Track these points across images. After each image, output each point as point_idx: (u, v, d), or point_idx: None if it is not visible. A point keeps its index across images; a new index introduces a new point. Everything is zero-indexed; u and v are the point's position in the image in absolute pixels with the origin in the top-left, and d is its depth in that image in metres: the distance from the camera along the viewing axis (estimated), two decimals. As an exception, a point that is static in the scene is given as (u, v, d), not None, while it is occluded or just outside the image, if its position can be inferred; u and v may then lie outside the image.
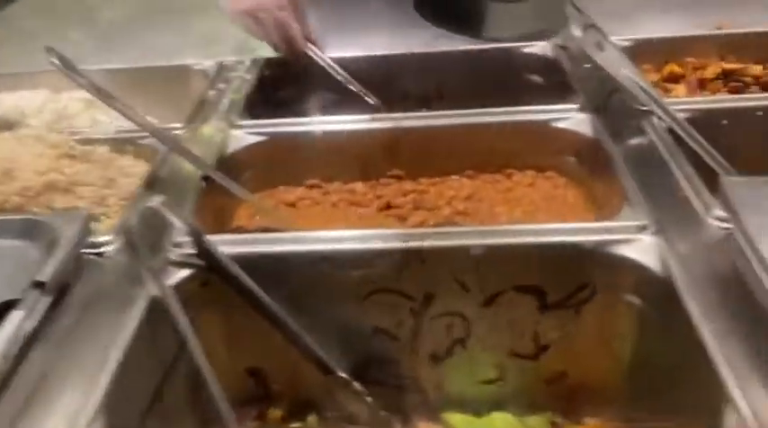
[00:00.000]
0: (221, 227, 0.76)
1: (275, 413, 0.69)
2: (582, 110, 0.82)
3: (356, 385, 0.63)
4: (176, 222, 0.60)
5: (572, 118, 0.81)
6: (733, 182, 0.56)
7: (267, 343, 0.64)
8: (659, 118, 0.77)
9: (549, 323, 0.64)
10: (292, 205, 0.82)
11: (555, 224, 0.66)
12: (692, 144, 0.76)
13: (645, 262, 0.58)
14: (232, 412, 0.54)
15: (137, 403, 0.54)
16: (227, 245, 0.63)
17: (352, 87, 0.94)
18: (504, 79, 1.02)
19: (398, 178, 0.84)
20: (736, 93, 0.98)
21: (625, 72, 0.79)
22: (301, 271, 0.62)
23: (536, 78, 1.01)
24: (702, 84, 0.99)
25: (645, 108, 0.78)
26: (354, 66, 0.97)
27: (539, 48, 1.01)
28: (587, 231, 0.61)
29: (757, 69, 1.00)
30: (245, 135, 0.83)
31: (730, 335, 0.48)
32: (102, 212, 0.75)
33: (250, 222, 0.79)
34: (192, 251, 0.60)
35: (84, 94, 1.04)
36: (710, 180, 0.73)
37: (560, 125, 0.80)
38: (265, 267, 0.62)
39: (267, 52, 1.00)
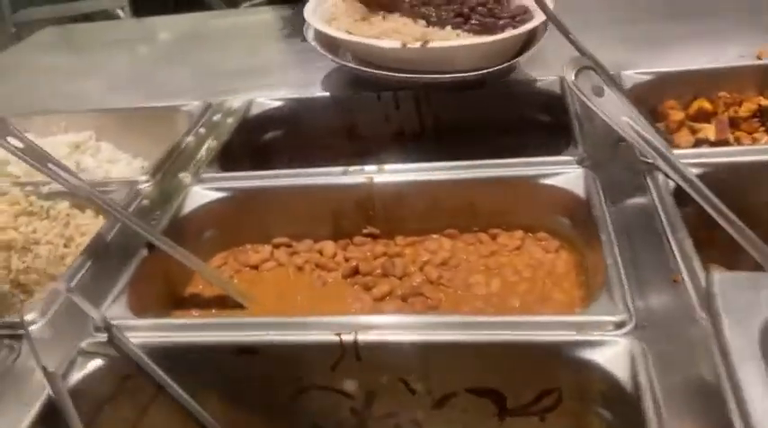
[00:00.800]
0: (172, 295, 0.70)
1: None
2: (580, 163, 0.72)
3: (287, 494, 0.55)
4: (88, 309, 0.54)
5: (566, 173, 0.70)
6: (721, 281, 0.45)
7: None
8: (666, 175, 0.66)
9: (511, 429, 0.55)
10: (255, 268, 0.75)
11: (515, 316, 0.56)
12: (708, 210, 0.64)
13: (614, 371, 0.48)
14: None
15: None
16: (147, 330, 0.56)
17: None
18: (504, 115, 0.93)
19: (373, 237, 0.76)
20: (777, 133, 0.85)
21: (625, 119, 0.68)
22: (225, 362, 0.55)
23: (542, 117, 0.91)
24: (736, 124, 0.87)
25: (650, 161, 0.67)
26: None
27: (547, 82, 0.91)
28: (554, 326, 0.52)
29: (802, 105, 0.86)
30: (207, 191, 0.77)
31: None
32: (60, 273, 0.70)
33: (209, 287, 0.73)
34: (104, 340, 0.55)
35: (71, 138, 1.03)
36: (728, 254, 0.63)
37: (550, 182, 0.70)
38: (188, 357, 0.56)
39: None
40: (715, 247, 0.65)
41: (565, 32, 0.80)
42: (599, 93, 0.69)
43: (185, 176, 0.80)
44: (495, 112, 0.94)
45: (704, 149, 0.77)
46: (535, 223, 0.73)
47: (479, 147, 0.83)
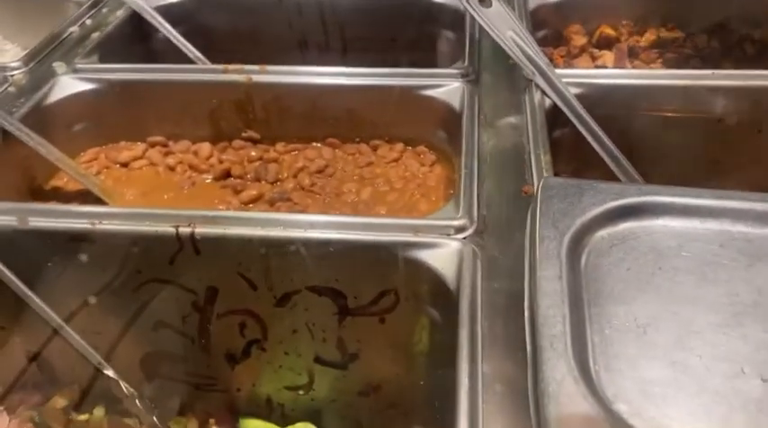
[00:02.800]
0: (30, 186, 0.67)
1: (58, 401, 0.61)
2: (464, 76, 0.70)
3: (124, 386, 0.55)
4: None
5: (446, 86, 0.69)
6: (549, 184, 0.44)
7: (45, 328, 0.56)
8: (543, 92, 0.65)
9: (353, 329, 0.55)
10: (125, 166, 0.72)
11: (356, 217, 0.55)
12: (578, 125, 0.64)
13: (442, 271, 0.47)
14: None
15: None
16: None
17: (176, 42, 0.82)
18: (411, 31, 0.90)
19: (252, 141, 0.74)
20: (675, 66, 0.85)
21: (511, 34, 0.66)
22: (62, 250, 0.53)
23: (447, 33, 0.89)
24: (635, 53, 0.86)
25: (532, 79, 0.66)
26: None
27: (451, -2, 0.88)
28: (395, 228, 0.51)
29: (702, 39, 0.86)
30: (78, 81, 0.73)
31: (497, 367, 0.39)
32: None
33: (72, 183, 0.69)
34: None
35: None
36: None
37: (429, 93, 0.68)
38: (27, 244, 0.53)
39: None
40: (593, 169, 0.66)
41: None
42: (487, 4, 0.67)
43: (59, 66, 0.75)
44: (401, 28, 0.91)
45: (585, 70, 0.76)
46: (416, 136, 0.72)
47: (384, 61, 0.81)
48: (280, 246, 0.51)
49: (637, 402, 0.32)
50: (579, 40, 0.87)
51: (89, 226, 0.52)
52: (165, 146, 0.74)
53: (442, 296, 0.48)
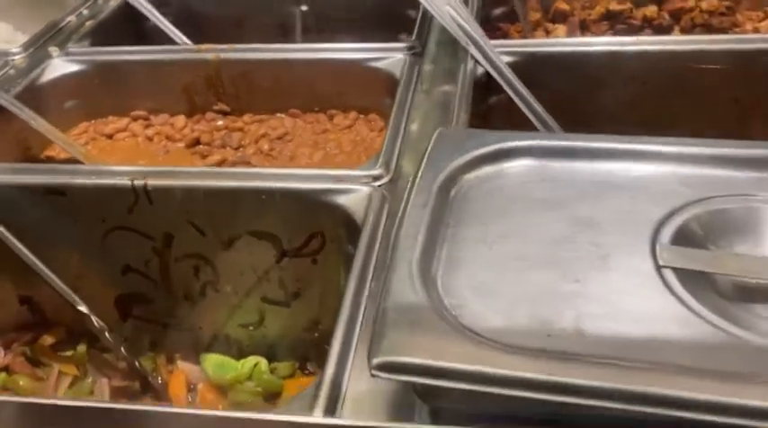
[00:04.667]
0: (24, 155, 0.76)
1: (46, 339, 0.70)
2: (410, 50, 0.77)
3: (95, 320, 0.63)
4: None
5: (391, 58, 0.75)
6: (439, 134, 0.51)
7: (33, 274, 0.65)
8: (476, 61, 0.71)
9: (292, 270, 0.62)
10: (110, 137, 0.81)
11: (289, 169, 0.63)
12: (507, 90, 0.70)
13: (354, 213, 0.55)
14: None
15: None
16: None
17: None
18: (385, 11, 0.97)
19: (224, 114, 0.82)
20: (624, 35, 0.90)
21: (447, 8, 0.72)
22: (40, 202, 0.62)
23: (411, 13, 0.95)
24: (587, 26, 0.91)
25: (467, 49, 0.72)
26: None
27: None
28: (319, 179, 0.58)
29: (651, 10, 0.91)
30: (68, 63, 0.82)
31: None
32: None
33: (63, 153, 0.78)
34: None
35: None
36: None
37: (377, 65, 0.75)
38: (7, 196, 0.62)
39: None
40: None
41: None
42: (427, -21, 0.73)
43: (54, 50, 0.85)
44: (369, 8, 0.98)
45: (517, 41, 0.82)
46: (368, 105, 0.79)
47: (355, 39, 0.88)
48: (220, 195, 0.59)
49: (464, 297, 0.38)
50: (535, 15, 0.92)
51: (62, 181, 0.60)
52: (146, 119, 0.83)
53: (356, 235, 0.55)
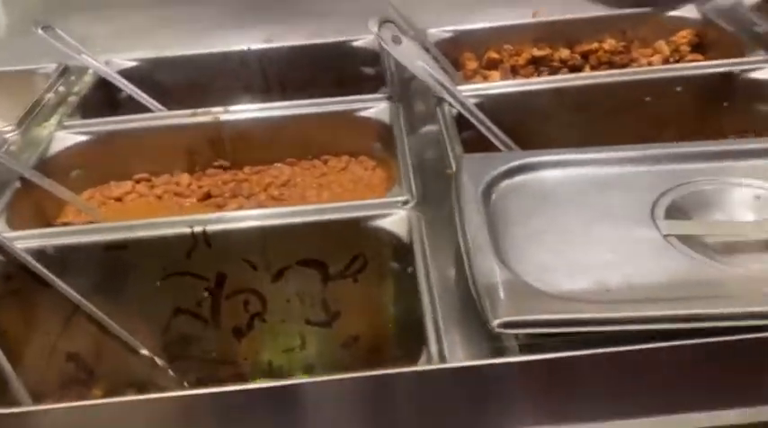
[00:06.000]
0: (44, 225, 0.80)
1: (95, 392, 0.74)
2: (389, 99, 0.89)
3: (158, 360, 0.69)
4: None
5: (376, 107, 0.88)
6: (466, 159, 0.64)
7: (80, 330, 0.69)
8: (450, 104, 0.85)
9: (334, 292, 0.71)
10: (119, 200, 0.86)
11: (331, 203, 0.73)
12: (478, 126, 0.84)
13: (398, 232, 0.65)
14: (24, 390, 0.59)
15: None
16: (26, 239, 0.67)
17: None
18: (339, 70, 1.09)
19: (223, 169, 0.90)
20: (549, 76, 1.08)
21: (420, 63, 0.86)
22: (98, 259, 0.67)
23: (367, 70, 1.09)
24: (516, 70, 1.08)
25: (439, 95, 0.86)
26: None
27: (367, 41, 1.08)
28: (357, 208, 0.69)
29: (565, 53, 1.10)
30: (71, 135, 0.87)
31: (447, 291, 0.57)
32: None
33: (78, 217, 0.83)
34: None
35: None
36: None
37: (364, 114, 0.87)
38: (66, 257, 0.67)
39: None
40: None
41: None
42: (397, 41, 0.87)
43: (50, 125, 0.90)
44: (329, 68, 1.10)
45: (480, 85, 0.97)
46: (357, 149, 0.90)
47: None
48: (273, 232, 0.68)
49: (536, 273, 0.50)
50: (471, 65, 1.09)
51: (123, 236, 0.67)
52: (148, 181, 0.89)
53: (401, 251, 0.65)
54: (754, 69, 0.90)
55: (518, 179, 0.61)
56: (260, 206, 0.82)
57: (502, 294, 0.47)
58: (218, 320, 0.72)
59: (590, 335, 0.46)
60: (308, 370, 0.76)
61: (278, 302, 0.72)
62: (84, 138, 0.87)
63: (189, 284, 0.70)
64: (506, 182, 0.60)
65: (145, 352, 0.69)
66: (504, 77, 1.06)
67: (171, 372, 0.69)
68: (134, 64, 1.07)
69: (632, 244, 0.53)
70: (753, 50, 0.93)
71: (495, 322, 0.45)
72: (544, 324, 0.45)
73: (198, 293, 0.71)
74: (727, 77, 0.92)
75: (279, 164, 0.90)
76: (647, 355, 0.46)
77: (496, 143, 0.84)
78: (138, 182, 0.89)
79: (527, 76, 1.07)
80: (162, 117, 0.90)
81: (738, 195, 0.58)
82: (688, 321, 0.45)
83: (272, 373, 0.76)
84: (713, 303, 0.46)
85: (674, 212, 0.56)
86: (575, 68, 1.09)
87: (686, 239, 0.53)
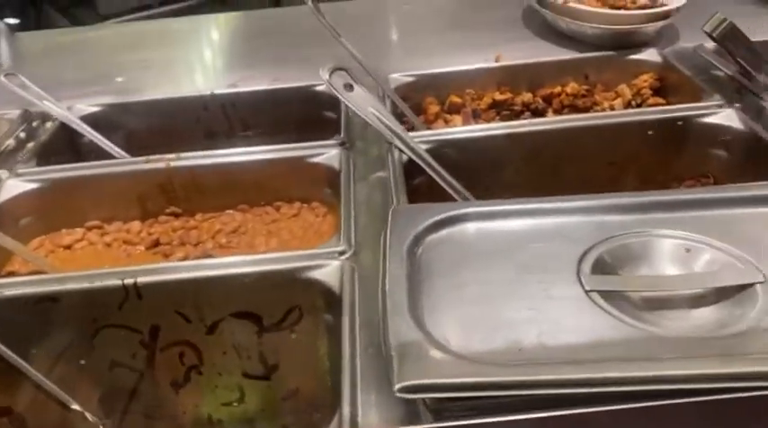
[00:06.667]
0: (-11, 274, 0.80)
1: (29, 449, 0.72)
2: (341, 145, 0.89)
3: (89, 415, 0.67)
4: None
5: (328, 153, 0.87)
6: (395, 211, 0.63)
7: (12, 385, 0.68)
8: (401, 150, 0.85)
9: (271, 344, 0.70)
10: (68, 248, 0.86)
11: (266, 254, 0.72)
12: (429, 171, 0.84)
13: (329, 283, 0.64)
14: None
15: None
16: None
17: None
18: (302, 115, 1.09)
19: (175, 216, 0.90)
20: (509, 120, 1.07)
21: (371, 110, 0.86)
22: (30, 311, 0.66)
23: (329, 114, 1.09)
24: (478, 114, 1.08)
25: (390, 142, 0.85)
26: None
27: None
28: (292, 259, 0.68)
29: (528, 97, 1.10)
30: (22, 183, 0.87)
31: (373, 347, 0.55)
32: None
33: (24, 267, 0.82)
34: None
35: None
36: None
37: (315, 160, 0.87)
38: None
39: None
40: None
41: (336, 36, 0.98)
42: (348, 89, 0.87)
43: (3, 172, 0.89)
44: (291, 112, 1.10)
45: (432, 131, 0.97)
46: (310, 195, 0.89)
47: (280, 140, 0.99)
48: (206, 284, 0.67)
49: (448, 331, 0.49)
50: (433, 109, 1.08)
51: (55, 288, 0.66)
52: (100, 228, 0.89)
53: (333, 303, 0.64)
54: (709, 114, 0.90)
55: (445, 232, 0.60)
56: (205, 255, 0.81)
57: (408, 356, 0.46)
58: (153, 373, 0.71)
59: (503, 399, 0.45)
60: (248, 426, 0.74)
61: (214, 355, 0.70)
62: (35, 185, 0.87)
63: (123, 337, 0.69)
64: (433, 236, 0.59)
65: (76, 407, 0.67)
66: (465, 122, 1.06)
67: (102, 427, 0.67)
68: (97, 109, 1.08)
69: (554, 299, 0.52)
70: (710, 95, 0.93)
71: (397, 386, 0.44)
72: (445, 388, 0.43)
73: (132, 346, 0.69)
74: (685, 122, 0.91)
75: (231, 211, 0.90)
76: (557, 422, 0.44)
77: (447, 189, 0.83)
78: (89, 229, 0.88)
79: (488, 120, 1.07)
80: (115, 164, 0.90)
81: (668, 248, 0.57)
82: (597, 386, 0.44)
83: (212, 427, 0.74)
84: (624, 366, 0.44)
85: (602, 266, 0.55)
86: (537, 112, 1.09)
87: (609, 295, 0.52)
